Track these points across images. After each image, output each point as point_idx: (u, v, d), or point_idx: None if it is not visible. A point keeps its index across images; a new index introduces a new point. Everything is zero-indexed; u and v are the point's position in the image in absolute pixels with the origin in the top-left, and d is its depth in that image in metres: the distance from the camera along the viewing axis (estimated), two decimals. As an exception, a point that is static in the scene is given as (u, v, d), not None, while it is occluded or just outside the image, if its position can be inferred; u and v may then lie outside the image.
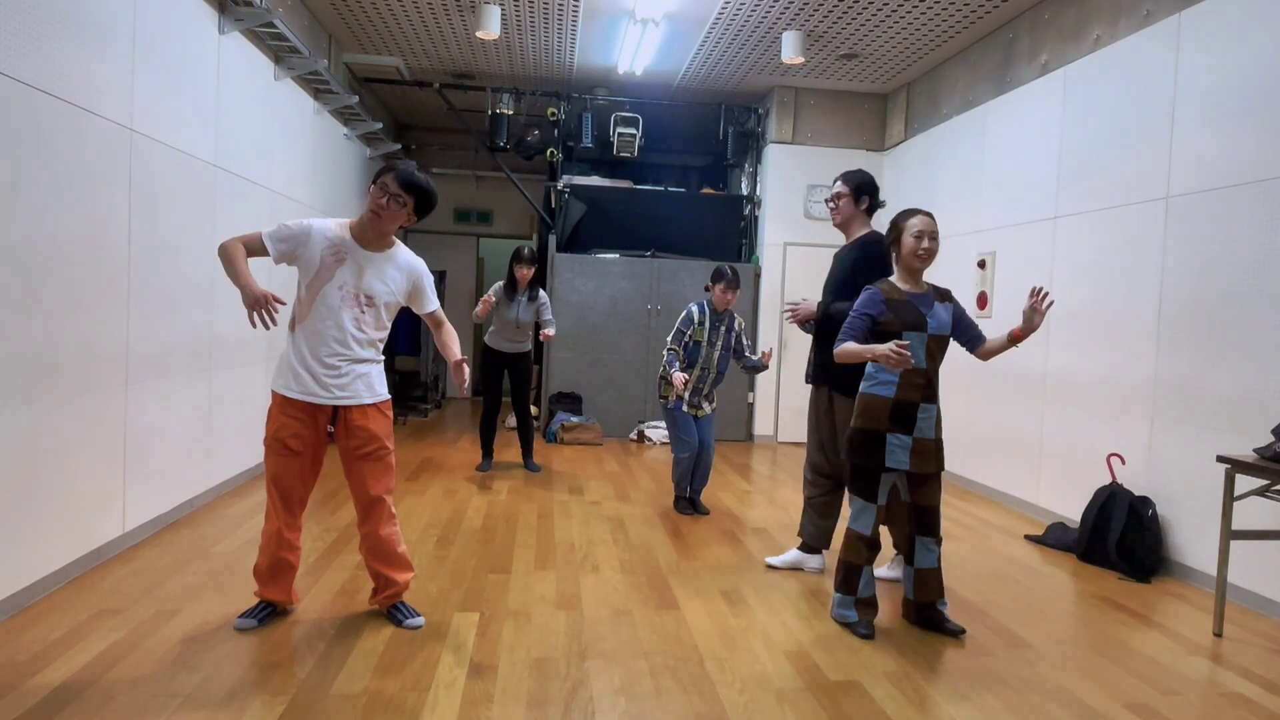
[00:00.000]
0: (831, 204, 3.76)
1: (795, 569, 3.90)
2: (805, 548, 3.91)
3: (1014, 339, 3.12)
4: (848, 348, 3.03)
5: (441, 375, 9.54)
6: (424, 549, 3.96)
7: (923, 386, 3.06)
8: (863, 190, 3.69)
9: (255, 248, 2.77)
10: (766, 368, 4.80)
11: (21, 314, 2.90)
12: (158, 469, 3.99)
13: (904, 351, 2.81)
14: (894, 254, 3.17)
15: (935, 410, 3.11)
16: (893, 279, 3.17)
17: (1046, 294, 3.00)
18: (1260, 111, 3.72)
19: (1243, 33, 3.84)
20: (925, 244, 3.08)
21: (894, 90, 7.57)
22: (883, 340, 3.03)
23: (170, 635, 2.83)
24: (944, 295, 3.21)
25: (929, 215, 3.13)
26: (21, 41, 2.87)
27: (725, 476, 6.09)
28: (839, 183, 3.73)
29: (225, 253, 2.74)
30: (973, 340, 3.23)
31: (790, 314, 3.85)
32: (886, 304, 3.07)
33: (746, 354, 4.83)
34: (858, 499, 3.15)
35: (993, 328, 5.73)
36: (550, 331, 5.52)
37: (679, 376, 4.61)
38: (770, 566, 3.92)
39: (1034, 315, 3.04)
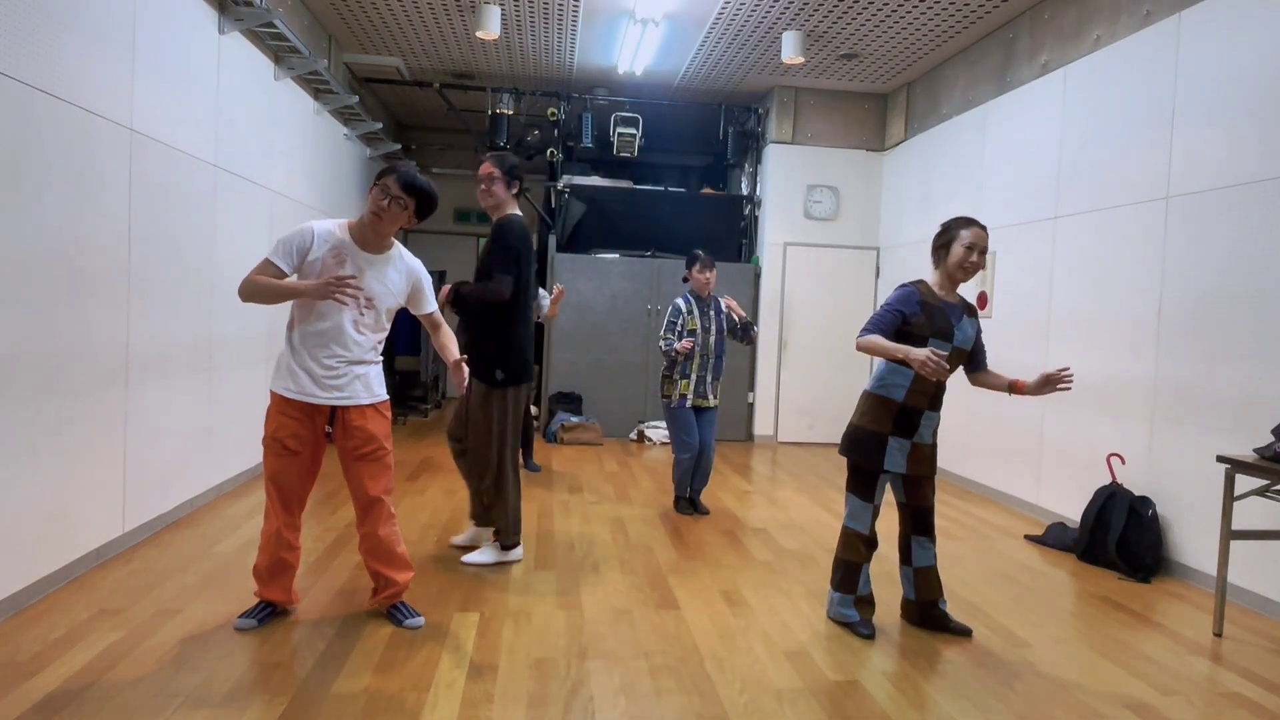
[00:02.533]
0: (483, 186, 3.59)
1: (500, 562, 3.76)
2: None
3: (1014, 389, 3.06)
4: (876, 342, 2.90)
5: (441, 375, 9.53)
6: (424, 549, 3.95)
7: (932, 395, 3.05)
8: (514, 173, 3.62)
9: (265, 272, 2.73)
10: (750, 321, 4.87)
11: (21, 314, 2.90)
12: (158, 469, 3.99)
13: (942, 362, 2.72)
14: (939, 258, 3.09)
15: (937, 418, 3.12)
16: (930, 283, 3.11)
17: (1071, 377, 2.92)
18: (1261, 111, 3.72)
19: (1243, 32, 3.84)
20: (974, 258, 3.01)
21: (894, 90, 7.57)
22: (906, 341, 2.97)
23: (170, 635, 2.83)
24: (972, 310, 3.15)
25: (984, 229, 3.04)
26: (21, 41, 2.87)
27: (725, 476, 6.09)
28: (490, 164, 3.59)
29: (253, 287, 2.69)
30: (978, 364, 3.19)
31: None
32: (921, 306, 3.00)
33: (737, 325, 4.85)
34: (854, 498, 3.14)
35: (992, 328, 5.73)
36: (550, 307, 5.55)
37: (685, 343, 4.61)
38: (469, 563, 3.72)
39: (1048, 387, 2.95)
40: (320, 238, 2.79)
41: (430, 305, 3.05)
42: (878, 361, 3.10)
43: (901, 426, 3.05)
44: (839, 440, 7.86)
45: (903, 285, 3.09)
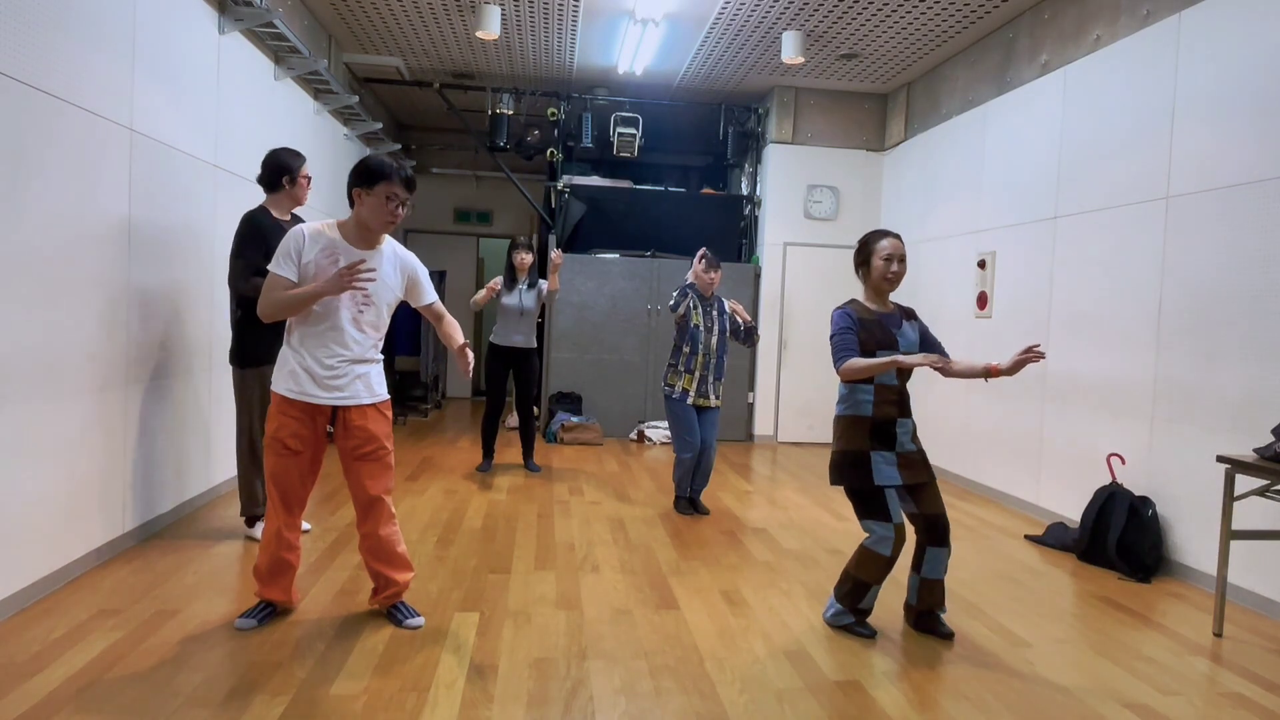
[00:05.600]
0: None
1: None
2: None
3: (989, 373, 3.05)
4: (861, 363, 2.96)
5: (441, 375, 9.53)
6: (424, 549, 3.96)
7: (897, 402, 3.08)
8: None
9: (278, 287, 2.74)
10: (754, 325, 4.87)
11: (21, 313, 2.90)
12: (158, 469, 3.99)
13: (936, 357, 2.85)
14: (863, 275, 3.16)
15: (911, 424, 3.13)
16: (861, 299, 3.17)
17: (1043, 354, 2.94)
18: (1260, 111, 3.72)
19: (1243, 32, 3.84)
20: (894, 267, 3.08)
21: (894, 90, 7.57)
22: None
23: (170, 635, 2.83)
24: (910, 314, 3.24)
25: (898, 238, 3.12)
26: (21, 41, 2.87)
27: (725, 476, 6.09)
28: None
29: (273, 305, 2.73)
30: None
31: None
32: (860, 323, 3.07)
33: (740, 328, 4.85)
34: (873, 523, 3.04)
35: (992, 328, 5.73)
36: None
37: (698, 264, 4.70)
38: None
39: (1022, 365, 2.97)
40: (310, 239, 2.79)
41: (430, 296, 3.03)
42: (839, 387, 3.13)
43: (879, 440, 3.05)
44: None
45: (837, 308, 3.14)
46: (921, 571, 3.15)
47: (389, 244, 2.93)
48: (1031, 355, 2.93)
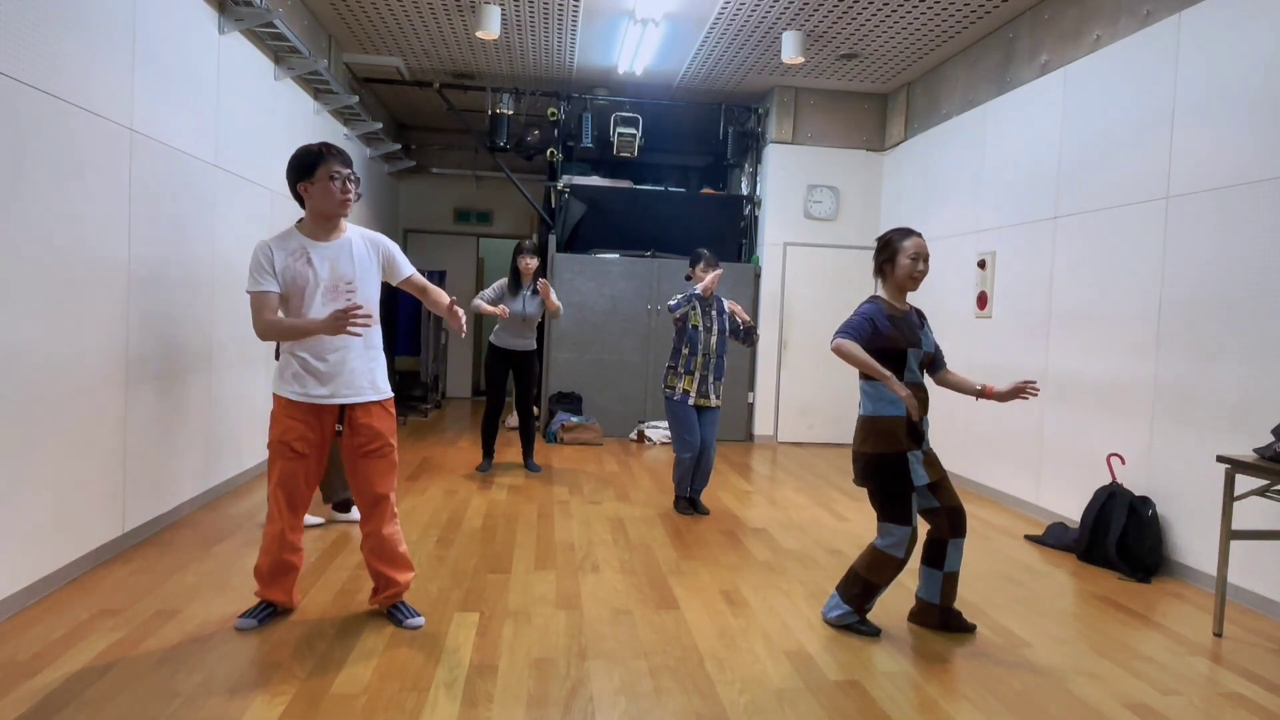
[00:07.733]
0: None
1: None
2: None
3: (983, 393, 3.10)
4: (858, 352, 2.94)
5: (441, 375, 9.53)
6: (424, 549, 3.96)
7: (925, 400, 3.09)
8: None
9: (269, 304, 2.75)
10: (753, 325, 4.88)
11: (21, 314, 2.90)
12: (158, 469, 3.99)
13: (915, 401, 2.92)
14: (885, 273, 3.15)
15: (928, 420, 3.17)
16: (885, 297, 3.17)
17: (1037, 390, 3.05)
18: (1260, 111, 3.72)
19: (1242, 33, 3.84)
20: (920, 266, 3.09)
21: (894, 90, 7.57)
22: (883, 355, 3.02)
23: (170, 635, 2.83)
24: (922, 315, 3.26)
25: (921, 236, 3.13)
26: (21, 41, 2.87)
27: (725, 476, 6.09)
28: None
29: (271, 328, 2.75)
30: (938, 363, 3.25)
31: None
32: (890, 320, 3.05)
33: (740, 328, 4.84)
34: (894, 525, 3.04)
35: (992, 328, 5.73)
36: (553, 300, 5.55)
37: (710, 278, 4.65)
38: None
39: (1016, 394, 3.04)
40: (276, 248, 2.81)
41: (407, 269, 3.04)
42: (862, 386, 3.12)
43: (914, 438, 3.06)
44: (837, 440, 7.87)
45: (866, 301, 3.13)
46: (945, 566, 3.15)
47: (353, 229, 2.94)
48: (1028, 390, 3.02)
